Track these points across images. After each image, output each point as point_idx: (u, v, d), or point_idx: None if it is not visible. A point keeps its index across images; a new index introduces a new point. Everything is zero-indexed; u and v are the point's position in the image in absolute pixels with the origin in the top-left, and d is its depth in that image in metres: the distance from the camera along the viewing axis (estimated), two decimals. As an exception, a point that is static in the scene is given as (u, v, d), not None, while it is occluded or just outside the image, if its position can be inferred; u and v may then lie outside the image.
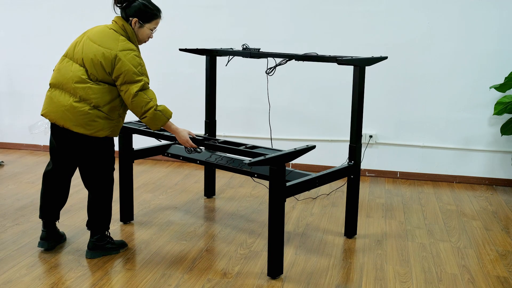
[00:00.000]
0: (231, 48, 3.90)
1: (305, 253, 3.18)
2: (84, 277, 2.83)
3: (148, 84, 2.88)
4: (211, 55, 3.88)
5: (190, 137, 3.07)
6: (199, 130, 5.01)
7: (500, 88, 4.25)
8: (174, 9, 4.92)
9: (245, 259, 3.09)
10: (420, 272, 2.97)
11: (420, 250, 3.26)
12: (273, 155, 2.69)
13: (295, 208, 3.93)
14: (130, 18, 2.93)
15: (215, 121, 4.03)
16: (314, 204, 4.04)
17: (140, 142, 5.19)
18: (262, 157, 2.66)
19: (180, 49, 3.84)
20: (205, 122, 4.01)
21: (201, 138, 3.11)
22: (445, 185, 4.59)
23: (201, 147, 3.29)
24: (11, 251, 3.12)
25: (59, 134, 2.91)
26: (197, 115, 4.95)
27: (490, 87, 4.33)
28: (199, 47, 4.30)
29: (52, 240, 3.13)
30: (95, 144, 2.91)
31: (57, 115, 2.85)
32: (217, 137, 3.18)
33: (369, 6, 4.56)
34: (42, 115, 2.93)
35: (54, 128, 2.92)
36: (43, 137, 5.45)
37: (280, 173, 2.73)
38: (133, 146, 3.62)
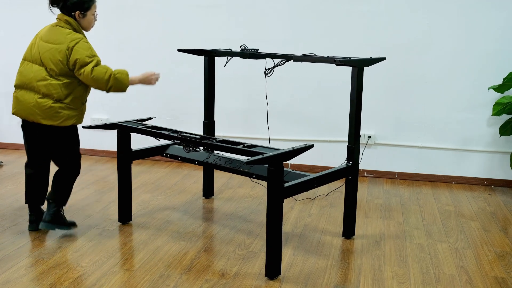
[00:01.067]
0: (229, 49, 3.90)
1: (303, 254, 3.19)
2: (83, 278, 2.83)
3: (100, 61, 3.17)
4: (210, 56, 3.88)
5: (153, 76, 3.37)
6: (198, 130, 5.01)
7: (499, 89, 4.26)
8: (173, 9, 4.92)
9: (243, 259, 3.10)
10: (418, 273, 2.98)
11: (418, 250, 3.26)
12: (271, 154, 2.70)
13: (294, 209, 3.94)
14: (72, 13, 3.19)
15: (213, 121, 4.04)
16: (313, 204, 4.05)
17: (138, 142, 5.20)
18: (260, 156, 2.66)
19: (179, 50, 3.84)
20: (204, 122, 4.01)
21: (198, 137, 3.11)
22: (444, 186, 4.60)
23: (199, 147, 3.29)
24: (10, 251, 3.13)
25: (31, 128, 3.25)
26: (195, 116, 4.95)
27: (489, 88, 4.34)
28: (197, 48, 4.31)
29: (39, 222, 3.38)
30: (63, 132, 3.25)
31: (26, 112, 3.19)
32: (215, 137, 3.18)
33: (368, 6, 4.56)
34: (13, 113, 3.26)
35: (25, 124, 3.27)
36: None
37: (278, 174, 2.73)
38: (132, 147, 3.62)
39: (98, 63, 3.13)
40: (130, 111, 5.16)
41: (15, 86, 3.29)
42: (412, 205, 4.09)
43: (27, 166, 3.38)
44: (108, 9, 5.07)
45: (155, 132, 3.25)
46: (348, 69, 4.46)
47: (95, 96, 5.27)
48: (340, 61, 3.03)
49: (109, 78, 3.13)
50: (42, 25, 5.39)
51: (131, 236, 3.39)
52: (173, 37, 4.96)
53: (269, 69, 3.53)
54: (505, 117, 4.46)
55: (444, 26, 4.48)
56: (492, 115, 4.35)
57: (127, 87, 3.23)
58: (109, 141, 5.28)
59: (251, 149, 2.88)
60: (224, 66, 4.19)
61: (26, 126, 3.27)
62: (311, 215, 3.83)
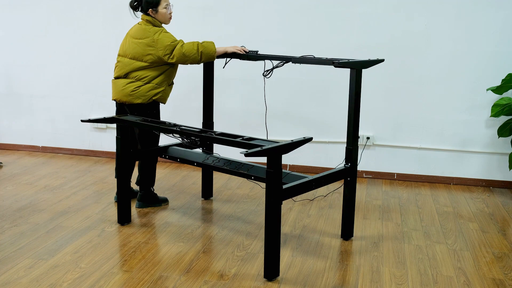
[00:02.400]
0: None
1: (302, 255, 3.20)
2: (82, 279, 2.84)
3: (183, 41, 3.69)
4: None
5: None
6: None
7: (497, 90, 4.27)
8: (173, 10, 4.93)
9: (242, 261, 3.11)
10: (416, 274, 2.99)
11: (417, 252, 3.27)
12: (269, 146, 2.70)
13: (292, 210, 3.95)
14: (147, 11, 3.72)
15: (212, 122, 4.05)
16: (311, 205, 4.06)
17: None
18: (258, 148, 2.66)
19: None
20: (203, 123, 4.02)
21: (197, 130, 3.11)
22: (442, 187, 4.61)
23: (197, 139, 3.29)
24: (9, 252, 3.14)
25: (124, 109, 3.84)
26: (194, 116, 4.96)
27: (487, 89, 4.35)
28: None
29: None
30: (150, 108, 3.77)
31: (120, 95, 3.75)
32: (214, 130, 3.18)
33: (366, 7, 4.57)
34: (113, 99, 3.84)
35: (120, 106, 3.86)
36: (42, 138, 5.47)
37: (276, 176, 2.74)
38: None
39: (183, 42, 3.66)
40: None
41: (114, 77, 3.83)
42: (411, 206, 4.10)
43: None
44: (106, 10, 5.08)
45: (154, 125, 3.23)
46: (347, 70, 4.48)
47: (95, 97, 5.29)
48: (338, 63, 3.04)
49: (198, 47, 3.62)
50: (41, 26, 5.42)
51: (130, 237, 3.40)
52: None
53: (267, 70, 3.53)
54: (503, 119, 4.47)
55: (443, 27, 4.49)
56: (490, 116, 4.36)
57: (215, 52, 3.68)
58: (108, 142, 5.29)
59: (250, 142, 2.88)
60: (223, 67, 4.19)
61: (120, 107, 3.85)
62: (310, 216, 3.84)
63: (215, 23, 4.89)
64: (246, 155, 2.60)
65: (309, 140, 2.86)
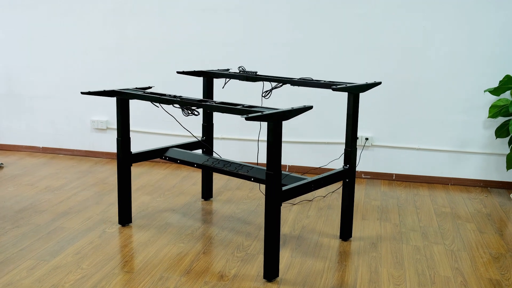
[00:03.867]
0: (227, 70, 3.93)
1: (301, 256, 3.23)
2: (84, 280, 2.87)
3: None
4: (208, 77, 3.93)
5: None
6: (197, 132, 5.05)
7: (495, 91, 4.30)
8: (173, 10, 4.96)
9: (242, 261, 3.14)
10: (414, 274, 3.02)
11: (414, 252, 3.31)
12: (270, 112, 2.71)
13: (291, 211, 3.98)
14: None
15: (212, 123, 4.07)
16: (310, 206, 4.09)
17: (138, 145, 5.24)
18: (259, 113, 2.67)
19: (178, 72, 3.85)
20: (203, 125, 4.05)
21: (197, 100, 3.12)
22: (440, 187, 4.64)
23: (197, 110, 3.27)
24: (11, 253, 3.16)
25: None
26: (194, 117, 4.99)
27: (485, 91, 4.37)
28: (196, 48, 4.35)
29: None
30: None
31: None
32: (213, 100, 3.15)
33: (364, 9, 4.60)
34: None
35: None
36: (43, 138, 5.50)
37: (276, 177, 2.77)
38: (131, 150, 3.66)
39: None
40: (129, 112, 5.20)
41: None
42: (409, 206, 4.13)
43: None
44: (105, 11, 5.11)
45: (155, 97, 3.22)
46: (347, 70, 4.50)
47: (95, 98, 5.32)
48: (336, 88, 3.08)
49: None
50: (41, 27, 5.44)
51: (131, 238, 3.43)
52: (174, 39, 4.99)
53: (266, 91, 3.57)
54: (501, 120, 4.50)
55: (441, 29, 4.52)
56: (488, 117, 4.40)
57: None
58: (108, 143, 5.32)
59: (251, 109, 2.88)
60: (223, 88, 4.24)
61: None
62: (309, 217, 3.87)
63: (215, 24, 4.92)
64: (247, 118, 2.60)
65: (309, 108, 2.87)
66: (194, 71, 3.89)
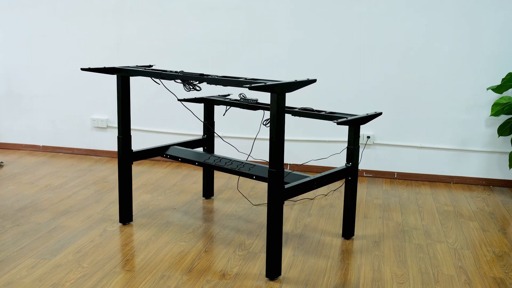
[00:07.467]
0: (228, 97, 3.90)
1: (303, 254, 3.21)
2: (84, 278, 2.85)
3: None
4: (209, 104, 3.91)
5: None
6: (198, 131, 5.03)
7: (497, 89, 4.28)
8: (173, 10, 4.94)
9: (244, 260, 3.12)
10: (417, 273, 3.00)
11: (417, 251, 3.29)
12: (273, 83, 2.68)
13: (293, 209, 3.96)
14: None
15: (213, 122, 4.05)
16: (312, 204, 4.07)
17: (139, 143, 5.22)
18: (262, 83, 2.64)
19: (179, 100, 3.82)
20: (204, 124, 4.03)
21: (198, 74, 3.09)
22: (442, 186, 4.62)
23: (199, 86, 3.25)
24: (11, 252, 3.14)
25: None
26: (194, 117, 4.96)
27: (487, 89, 4.36)
28: (196, 48, 4.33)
29: None
30: None
31: None
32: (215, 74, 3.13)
33: (366, 7, 4.58)
34: None
35: None
36: (43, 137, 5.48)
37: (278, 176, 2.75)
38: (132, 148, 3.64)
39: None
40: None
41: None
42: (411, 205, 4.11)
43: None
44: (104, 11, 5.09)
45: (157, 72, 3.19)
46: (346, 68, 4.47)
47: (95, 97, 5.30)
48: (339, 122, 3.06)
49: None
50: (41, 27, 5.42)
51: (132, 237, 3.41)
52: (175, 40, 4.97)
53: (267, 120, 3.56)
54: (503, 118, 4.48)
55: (443, 27, 4.50)
56: (490, 115, 4.37)
57: None
58: (109, 141, 5.30)
59: (254, 81, 2.86)
60: (223, 115, 4.26)
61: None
62: (311, 215, 3.85)
63: (215, 24, 4.90)
64: (250, 88, 2.58)
65: (313, 81, 2.84)
66: (195, 98, 3.88)
